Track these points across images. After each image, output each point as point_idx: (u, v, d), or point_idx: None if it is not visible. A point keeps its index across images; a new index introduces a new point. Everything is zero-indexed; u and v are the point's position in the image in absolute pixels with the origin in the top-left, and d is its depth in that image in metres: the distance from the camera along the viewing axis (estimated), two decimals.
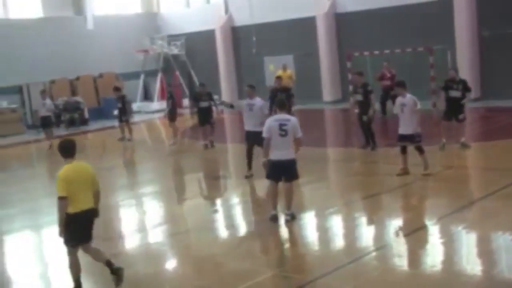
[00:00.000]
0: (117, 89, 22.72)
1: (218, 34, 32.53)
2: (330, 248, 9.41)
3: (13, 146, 24.59)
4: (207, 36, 32.63)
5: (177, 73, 33.41)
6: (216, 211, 12.48)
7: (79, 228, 7.72)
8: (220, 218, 11.87)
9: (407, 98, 12.71)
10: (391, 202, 11.64)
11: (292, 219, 10.30)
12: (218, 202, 13.27)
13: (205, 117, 18.76)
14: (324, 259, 8.80)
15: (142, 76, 33.69)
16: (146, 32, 33.90)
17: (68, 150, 7.80)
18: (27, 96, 29.71)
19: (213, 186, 14.92)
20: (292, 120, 10.27)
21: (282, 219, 10.38)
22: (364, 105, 15.90)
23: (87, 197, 7.76)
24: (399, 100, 12.88)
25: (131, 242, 10.58)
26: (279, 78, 17.92)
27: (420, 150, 12.77)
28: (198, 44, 33.28)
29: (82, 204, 7.66)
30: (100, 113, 30.49)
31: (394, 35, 24.97)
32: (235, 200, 13.22)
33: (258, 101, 13.92)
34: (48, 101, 22.73)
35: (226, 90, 32.46)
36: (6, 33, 29.13)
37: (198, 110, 18.97)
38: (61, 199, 7.50)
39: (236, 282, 7.98)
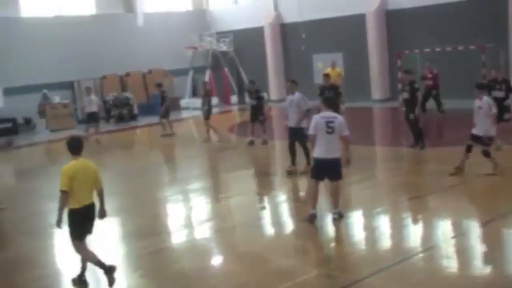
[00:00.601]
0: (158, 85, 22.99)
1: (266, 31, 32.52)
2: (376, 248, 9.30)
3: (64, 140, 24.96)
4: (256, 33, 32.65)
5: (226, 69, 33.57)
6: (262, 207, 12.47)
7: (82, 222, 8.01)
8: (266, 215, 11.86)
9: (484, 101, 12.55)
10: (440, 202, 11.41)
11: (339, 217, 10.23)
12: (264, 199, 13.25)
13: (254, 114, 18.96)
14: (370, 259, 8.70)
15: (190, 73, 33.96)
16: (195, 29, 34.13)
17: (75, 147, 8.18)
18: (78, 91, 30.27)
19: (259, 183, 14.93)
20: (339, 118, 10.21)
21: (329, 218, 10.32)
22: (411, 103, 15.66)
23: (89, 193, 8.09)
24: (476, 102, 12.69)
25: (177, 237, 10.65)
26: (326, 75, 17.74)
27: (486, 154, 12.57)
28: (247, 41, 33.32)
29: (84, 199, 7.98)
30: (149, 109, 30.67)
31: (445, 33, 24.51)
32: (281, 197, 13.20)
33: (296, 95, 13.91)
34: (93, 97, 22.86)
35: (274, 87, 32.45)
36: (59, 30, 29.72)
37: (250, 107, 19.31)
38: (62, 192, 7.83)
39: (281, 280, 7.94)
